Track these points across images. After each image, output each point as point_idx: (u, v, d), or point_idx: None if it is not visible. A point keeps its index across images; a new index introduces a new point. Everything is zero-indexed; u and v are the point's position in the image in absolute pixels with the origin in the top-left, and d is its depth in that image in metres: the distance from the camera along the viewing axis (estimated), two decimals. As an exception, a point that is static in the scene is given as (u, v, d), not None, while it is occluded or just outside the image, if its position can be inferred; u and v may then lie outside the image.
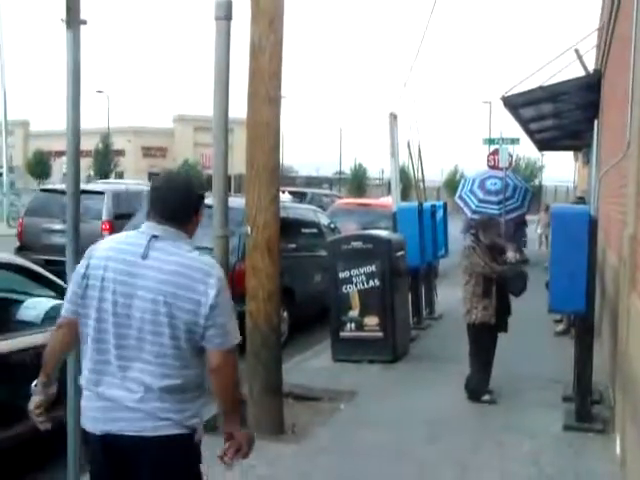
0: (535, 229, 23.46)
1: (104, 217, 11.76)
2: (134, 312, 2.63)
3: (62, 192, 12.94)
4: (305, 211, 11.41)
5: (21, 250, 12.16)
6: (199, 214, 2.81)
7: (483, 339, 6.53)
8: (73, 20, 3.59)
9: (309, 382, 6.86)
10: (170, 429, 2.65)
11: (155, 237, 2.67)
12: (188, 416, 2.70)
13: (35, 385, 2.93)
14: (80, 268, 2.76)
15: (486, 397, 6.54)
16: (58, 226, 10.40)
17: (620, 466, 4.95)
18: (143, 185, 15.15)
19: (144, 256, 2.64)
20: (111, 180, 31.86)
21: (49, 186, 14.67)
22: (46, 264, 8.98)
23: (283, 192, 16.09)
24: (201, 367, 2.76)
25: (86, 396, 2.76)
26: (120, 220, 10.52)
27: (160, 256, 2.65)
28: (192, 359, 2.70)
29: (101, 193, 12.13)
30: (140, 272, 2.63)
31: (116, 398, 2.65)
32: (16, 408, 4.67)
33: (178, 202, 2.73)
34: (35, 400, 2.90)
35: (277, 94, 5.56)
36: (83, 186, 14.71)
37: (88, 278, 2.70)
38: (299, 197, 17.27)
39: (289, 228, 8.72)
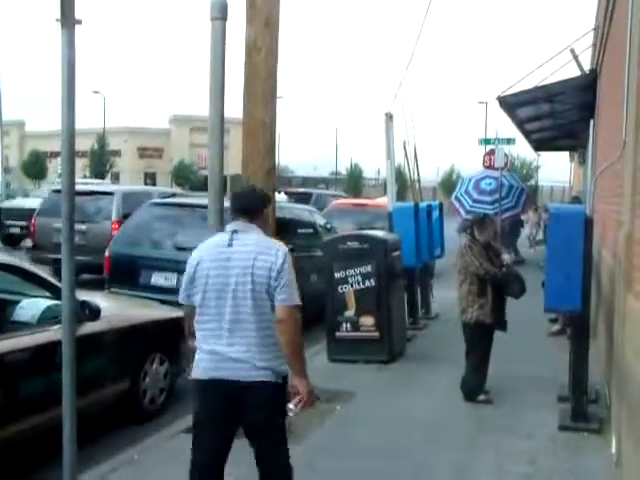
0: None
1: (113, 217, 12.08)
2: (230, 285, 3.55)
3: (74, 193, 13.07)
4: (301, 211, 11.40)
5: (34, 249, 12.43)
6: (264, 211, 3.88)
7: (479, 338, 6.53)
8: (68, 20, 3.59)
9: (305, 382, 6.85)
10: (266, 377, 3.54)
11: (235, 232, 3.68)
12: (280, 363, 3.59)
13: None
14: (189, 268, 3.71)
15: (482, 397, 6.54)
16: None
17: (616, 466, 4.96)
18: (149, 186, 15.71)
19: (229, 245, 3.65)
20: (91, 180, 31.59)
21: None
22: (55, 262, 9.02)
23: (279, 192, 16.02)
24: None
25: (198, 353, 3.66)
26: None
27: (240, 242, 3.64)
28: None
29: (110, 194, 12.36)
30: (230, 256, 3.60)
31: (222, 352, 3.55)
32: (13, 407, 4.68)
33: (245, 202, 3.80)
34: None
35: (273, 94, 5.57)
36: (93, 187, 14.95)
37: (195, 272, 3.67)
38: (305, 198, 17.34)
39: (285, 228, 8.72)
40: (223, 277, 3.57)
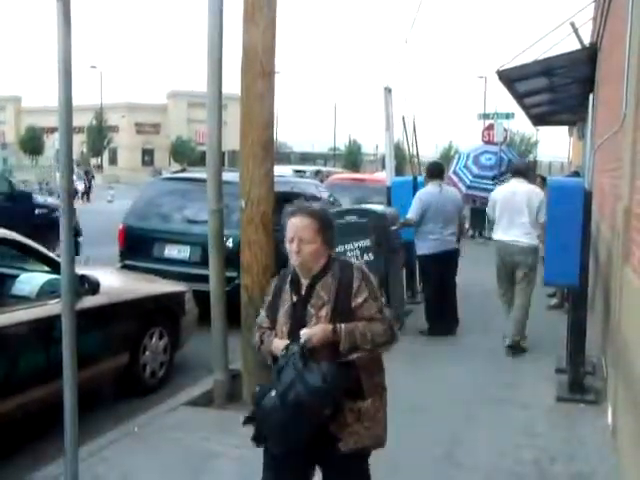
0: None
1: None
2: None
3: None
4: (306, 185, 11.35)
5: None
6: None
7: None
8: (64, -8, 3.53)
9: (304, 356, 6.88)
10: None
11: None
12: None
13: None
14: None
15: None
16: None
17: (611, 435, 5.01)
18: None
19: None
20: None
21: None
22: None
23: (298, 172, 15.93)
24: None
25: (432, 239, 7.94)
26: None
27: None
28: None
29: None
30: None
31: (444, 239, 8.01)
32: (13, 381, 4.71)
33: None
34: None
35: (271, 68, 5.51)
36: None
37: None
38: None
39: (290, 202, 8.69)
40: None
